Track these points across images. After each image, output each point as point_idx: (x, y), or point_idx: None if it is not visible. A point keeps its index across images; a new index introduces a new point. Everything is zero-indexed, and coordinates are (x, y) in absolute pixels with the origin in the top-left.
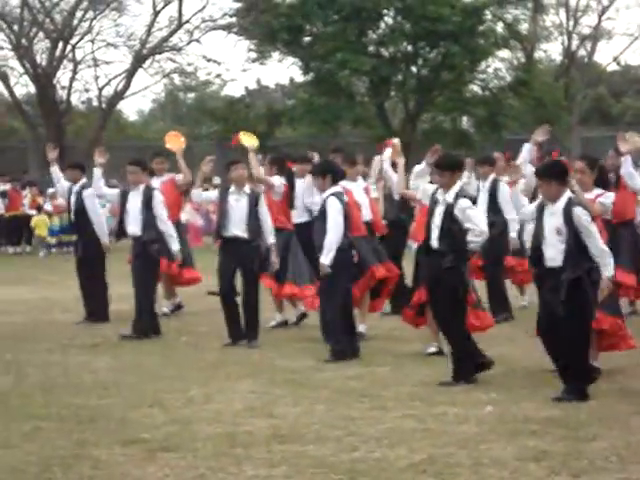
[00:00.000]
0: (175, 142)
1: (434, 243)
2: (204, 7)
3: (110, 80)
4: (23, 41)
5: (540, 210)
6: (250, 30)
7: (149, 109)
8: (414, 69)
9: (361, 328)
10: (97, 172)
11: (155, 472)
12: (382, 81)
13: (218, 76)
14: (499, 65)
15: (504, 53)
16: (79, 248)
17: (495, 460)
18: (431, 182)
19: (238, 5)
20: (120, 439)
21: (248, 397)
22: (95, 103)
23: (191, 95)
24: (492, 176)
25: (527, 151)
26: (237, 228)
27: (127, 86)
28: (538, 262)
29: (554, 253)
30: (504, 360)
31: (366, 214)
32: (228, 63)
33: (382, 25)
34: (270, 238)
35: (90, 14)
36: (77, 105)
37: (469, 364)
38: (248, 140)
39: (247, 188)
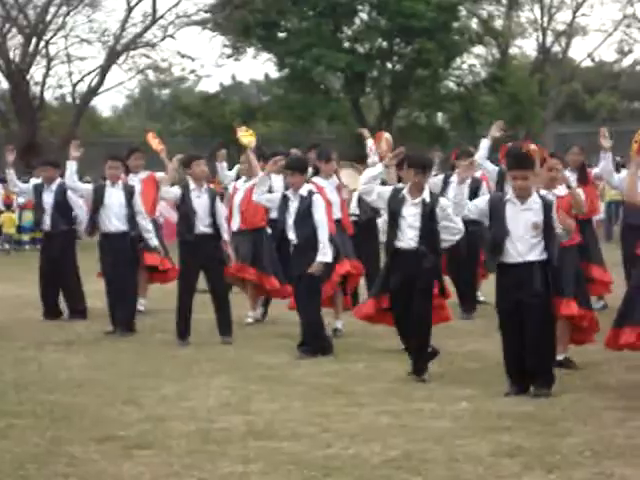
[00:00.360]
0: (248, 137)
1: (410, 243)
2: (178, 3)
3: (84, 76)
4: None
5: (502, 206)
6: (225, 26)
7: (123, 105)
8: (389, 65)
9: (338, 324)
10: (71, 165)
11: (130, 469)
12: (357, 77)
13: (192, 72)
14: (474, 61)
15: (479, 49)
16: (54, 244)
17: (470, 456)
18: (384, 183)
19: (213, 1)
20: (95, 436)
21: (223, 394)
22: (69, 99)
23: (166, 91)
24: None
25: (484, 148)
26: (203, 225)
27: (101, 82)
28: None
29: (525, 248)
30: (479, 356)
31: (336, 212)
32: (203, 59)
33: (357, 21)
34: (225, 234)
35: (63, 10)
36: (51, 101)
37: (430, 358)
38: (246, 137)
39: (205, 184)
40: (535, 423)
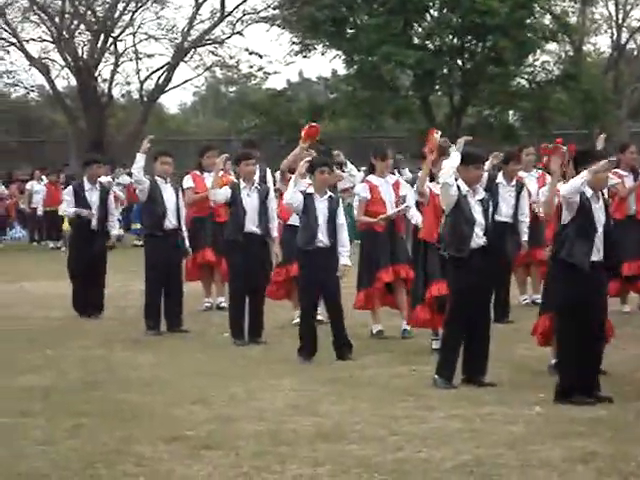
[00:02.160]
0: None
1: (480, 241)
2: None
3: (151, 73)
4: (64, 33)
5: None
6: (293, 22)
7: (190, 102)
8: (460, 62)
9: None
10: (140, 158)
11: (199, 470)
12: (427, 74)
13: (260, 69)
14: (547, 58)
15: (552, 46)
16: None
17: (543, 461)
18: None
19: None
20: (163, 436)
21: (291, 395)
22: (136, 96)
23: (233, 88)
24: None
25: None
26: (252, 224)
27: (168, 79)
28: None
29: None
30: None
31: (390, 211)
32: (271, 56)
33: (428, 18)
34: (274, 232)
35: (132, 6)
36: (118, 98)
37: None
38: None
39: (257, 183)
40: (608, 429)
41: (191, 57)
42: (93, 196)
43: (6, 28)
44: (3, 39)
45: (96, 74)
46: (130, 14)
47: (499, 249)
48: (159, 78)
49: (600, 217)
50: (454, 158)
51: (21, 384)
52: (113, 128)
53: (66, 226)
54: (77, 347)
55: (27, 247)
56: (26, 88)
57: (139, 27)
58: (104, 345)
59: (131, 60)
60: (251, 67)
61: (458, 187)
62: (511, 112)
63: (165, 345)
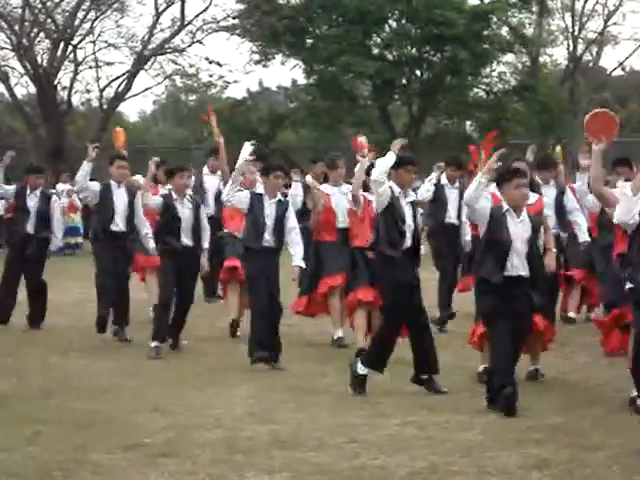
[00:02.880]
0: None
1: (409, 242)
2: (207, 8)
3: (111, 81)
4: (24, 41)
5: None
6: (253, 32)
7: (151, 111)
8: (418, 73)
9: (340, 333)
10: (86, 165)
11: (156, 478)
12: (386, 84)
13: (220, 78)
14: (504, 69)
15: (509, 57)
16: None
17: (499, 469)
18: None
19: (241, 7)
20: (121, 444)
21: (248, 402)
22: (96, 104)
23: (193, 97)
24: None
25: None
26: (187, 237)
27: (128, 87)
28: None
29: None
30: None
31: (341, 220)
32: (230, 65)
33: (387, 28)
34: (205, 243)
35: (92, 15)
36: (78, 106)
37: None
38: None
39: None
40: (564, 436)
41: (151, 65)
42: (32, 201)
43: None
44: None
45: (56, 82)
46: (90, 22)
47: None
48: (119, 86)
49: (519, 233)
50: (388, 157)
51: None
52: (73, 136)
53: None
54: (36, 355)
55: None
56: None
57: (99, 35)
58: (63, 353)
59: (91, 68)
60: (211, 76)
61: (391, 189)
62: (469, 122)
63: (123, 353)
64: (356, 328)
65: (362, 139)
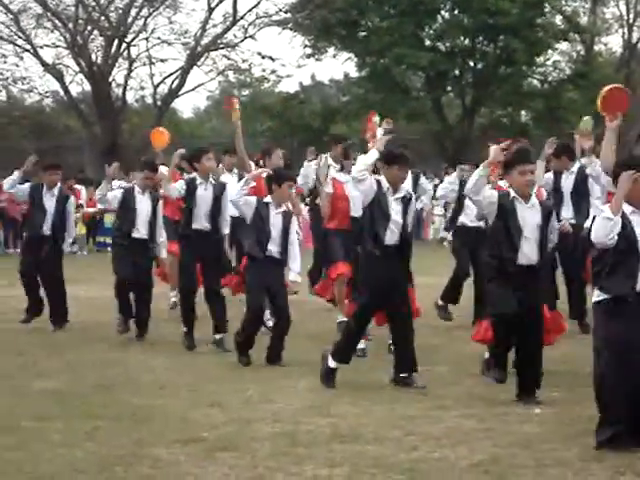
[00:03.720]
0: (159, 140)
1: (395, 238)
2: (259, 3)
3: (165, 78)
4: (78, 39)
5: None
6: (305, 25)
7: (204, 106)
8: (471, 63)
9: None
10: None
11: (215, 471)
12: (439, 76)
13: (273, 72)
14: (558, 58)
15: (563, 46)
16: (50, 251)
17: (558, 460)
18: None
19: (293, 0)
20: (179, 438)
21: (307, 396)
22: (150, 101)
23: (246, 92)
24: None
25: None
26: (206, 220)
27: (182, 84)
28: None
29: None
30: (567, 359)
31: (356, 210)
32: (283, 59)
33: (439, 19)
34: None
35: (145, 12)
36: (132, 103)
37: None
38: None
39: (212, 178)
40: None
41: (204, 61)
42: (49, 201)
43: (20, 35)
44: (17, 45)
45: (110, 79)
46: (143, 19)
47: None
48: (172, 82)
49: (528, 219)
50: (370, 154)
51: (39, 388)
52: (127, 133)
53: (81, 229)
54: (94, 350)
55: None
56: (40, 94)
57: (152, 32)
58: (122, 349)
59: (144, 65)
60: (264, 70)
61: (379, 184)
62: (523, 112)
63: (180, 349)
64: (338, 302)
65: (376, 119)
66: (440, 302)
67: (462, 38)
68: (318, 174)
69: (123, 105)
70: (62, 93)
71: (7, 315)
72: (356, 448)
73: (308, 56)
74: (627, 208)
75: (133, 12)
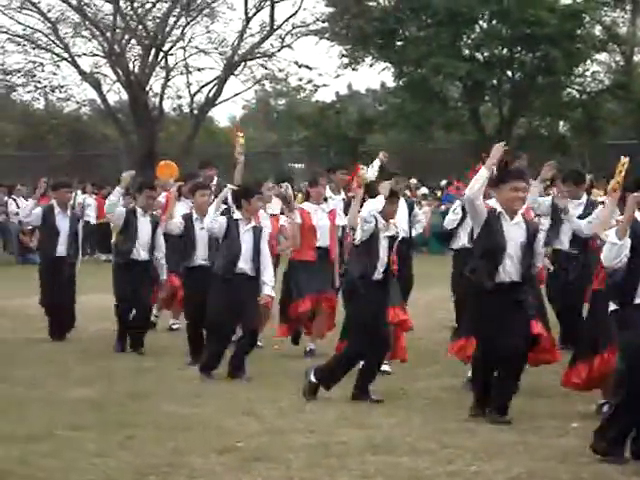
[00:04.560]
0: (166, 173)
1: (379, 276)
2: (296, 12)
3: (202, 87)
4: (116, 48)
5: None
6: (342, 35)
7: (240, 115)
8: (509, 73)
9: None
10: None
11: None
12: (476, 86)
13: (310, 82)
14: (597, 68)
15: (602, 56)
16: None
17: (596, 475)
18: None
19: (330, 10)
20: (215, 447)
21: (340, 407)
22: (187, 110)
23: (282, 101)
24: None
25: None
26: (203, 256)
27: (218, 93)
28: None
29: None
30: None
31: (323, 238)
32: (320, 68)
33: (477, 29)
34: None
35: (182, 21)
36: (169, 112)
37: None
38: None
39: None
40: None
41: (241, 70)
42: (62, 222)
43: (58, 43)
44: (55, 54)
45: (147, 88)
46: (181, 28)
47: None
48: (209, 92)
49: (513, 236)
50: (379, 199)
51: (73, 396)
52: (164, 142)
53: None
54: (127, 359)
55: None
56: (78, 102)
57: (189, 41)
58: (156, 358)
59: (182, 74)
60: (300, 80)
61: (376, 220)
62: (561, 122)
63: None
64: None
65: (363, 173)
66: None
67: (500, 48)
68: (287, 204)
69: (160, 114)
70: (99, 102)
71: (36, 325)
72: (391, 460)
73: (345, 66)
74: None
75: (171, 21)
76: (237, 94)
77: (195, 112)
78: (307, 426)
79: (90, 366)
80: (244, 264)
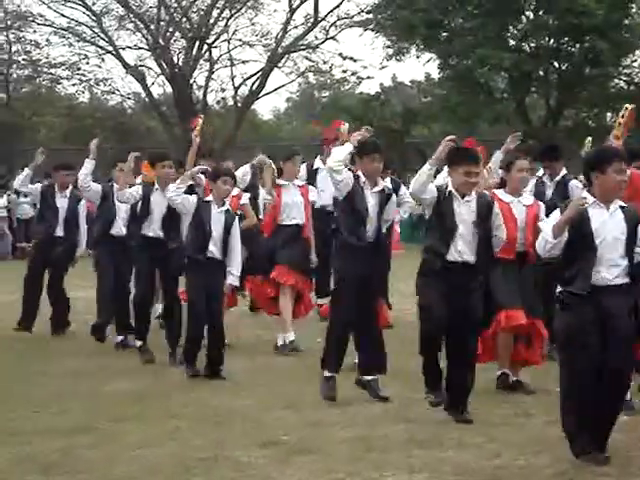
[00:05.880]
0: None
1: (369, 234)
2: (340, 4)
3: (246, 79)
4: (160, 41)
5: None
6: (387, 26)
7: (284, 108)
8: (556, 64)
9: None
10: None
11: (293, 474)
12: (522, 77)
13: (354, 74)
14: None
15: None
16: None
17: None
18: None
19: (375, 1)
20: (257, 440)
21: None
22: (231, 103)
23: (326, 93)
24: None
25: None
26: (157, 227)
27: (262, 85)
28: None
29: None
30: None
31: (296, 215)
32: (364, 60)
33: (523, 20)
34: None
35: (226, 13)
36: (213, 105)
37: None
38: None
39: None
40: None
41: (285, 63)
42: (61, 201)
43: (102, 36)
44: (99, 47)
45: (191, 81)
46: (225, 20)
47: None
48: (253, 84)
49: (464, 216)
50: (345, 146)
51: (115, 389)
52: (208, 134)
53: None
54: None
55: None
56: (122, 95)
57: (234, 33)
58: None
59: (226, 67)
60: (344, 72)
61: (357, 177)
62: (609, 114)
63: (257, 349)
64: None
65: (344, 128)
66: None
67: (547, 39)
68: (263, 181)
69: (204, 107)
70: (144, 95)
71: (74, 316)
72: (436, 454)
73: (389, 57)
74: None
75: (215, 13)
76: (281, 86)
77: (239, 105)
78: (349, 419)
79: (133, 358)
80: (213, 247)
